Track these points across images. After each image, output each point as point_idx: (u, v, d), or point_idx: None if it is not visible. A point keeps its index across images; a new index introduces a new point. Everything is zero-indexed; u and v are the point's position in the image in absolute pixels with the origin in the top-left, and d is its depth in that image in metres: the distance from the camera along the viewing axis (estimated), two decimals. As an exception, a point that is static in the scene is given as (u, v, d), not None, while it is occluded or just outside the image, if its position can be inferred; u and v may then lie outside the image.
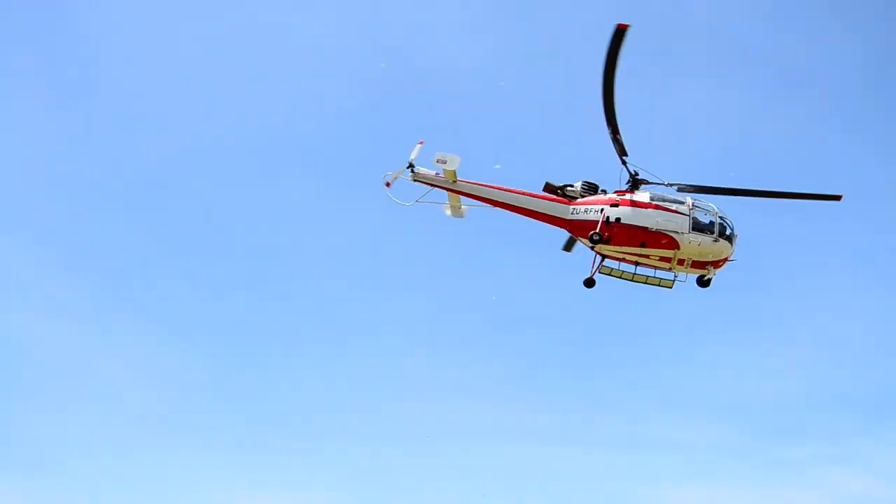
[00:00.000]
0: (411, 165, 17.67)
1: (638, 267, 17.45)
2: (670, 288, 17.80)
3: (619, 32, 14.98)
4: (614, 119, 16.16)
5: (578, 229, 17.10)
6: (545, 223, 17.58)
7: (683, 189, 17.66)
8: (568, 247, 18.96)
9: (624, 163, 17.28)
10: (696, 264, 17.37)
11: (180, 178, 72.43)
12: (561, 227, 17.62)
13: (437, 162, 16.89)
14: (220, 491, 55.23)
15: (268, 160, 68.94)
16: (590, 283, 17.45)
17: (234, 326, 66.41)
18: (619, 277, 17.62)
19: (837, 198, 18.83)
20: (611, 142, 16.80)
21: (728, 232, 17.53)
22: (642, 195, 17.42)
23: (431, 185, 17.45)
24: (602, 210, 16.69)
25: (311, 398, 62.07)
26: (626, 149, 16.88)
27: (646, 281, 17.63)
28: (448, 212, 18.31)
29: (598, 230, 16.31)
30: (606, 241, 16.55)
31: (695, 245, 16.66)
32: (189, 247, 69.39)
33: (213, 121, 70.87)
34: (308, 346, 65.57)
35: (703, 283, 17.72)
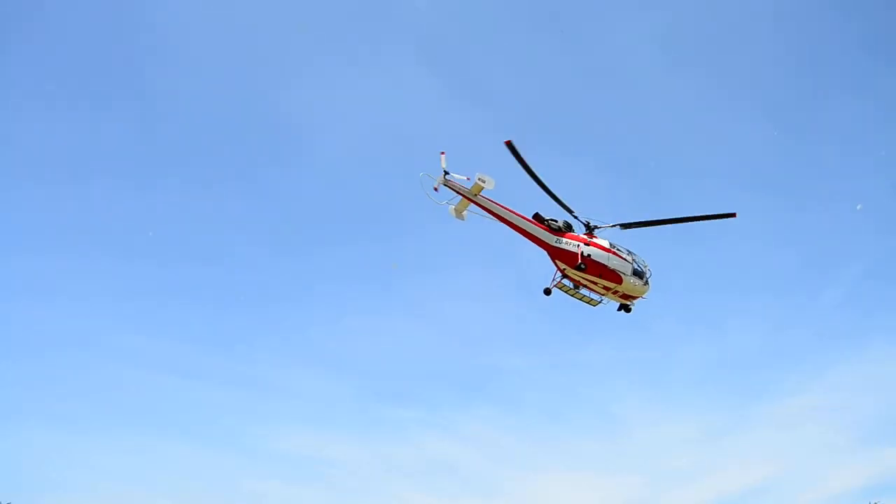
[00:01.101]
0: (446, 172, 20.80)
1: (582, 289, 22.84)
2: (594, 306, 23.52)
3: (510, 146, 20.39)
4: (554, 195, 21.34)
5: (560, 255, 22.09)
6: (533, 243, 22.17)
7: (624, 227, 22.69)
8: (548, 292, 23.37)
9: (575, 217, 22.59)
10: (624, 296, 23.01)
11: None
12: (544, 249, 22.35)
13: (479, 179, 20.67)
14: None
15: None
16: (548, 292, 23.22)
17: None
18: (566, 293, 23.10)
19: (732, 215, 23.64)
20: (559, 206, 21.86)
21: (649, 278, 23.01)
22: (603, 241, 22.70)
23: (458, 192, 20.96)
24: (579, 246, 21.81)
25: None
26: (571, 207, 22.26)
27: (581, 298, 23.30)
28: (452, 213, 21.90)
29: (581, 261, 21.28)
30: (581, 269, 21.39)
31: (631, 284, 22.89)
32: None
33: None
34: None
35: (626, 309, 23.86)
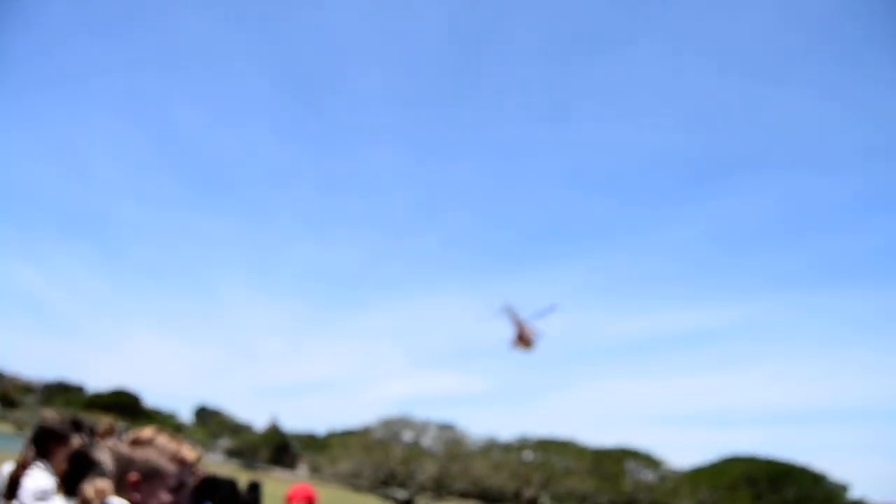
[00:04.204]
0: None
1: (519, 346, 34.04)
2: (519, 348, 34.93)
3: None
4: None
5: (521, 337, 32.03)
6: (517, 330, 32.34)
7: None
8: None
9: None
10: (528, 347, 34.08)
11: None
12: (518, 333, 30.90)
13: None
14: None
15: None
16: (515, 346, 33.58)
17: None
18: (515, 348, 33.75)
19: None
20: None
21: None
22: (532, 330, 33.14)
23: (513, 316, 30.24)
24: (530, 335, 32.04)
25: None
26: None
27: (519, 348, 33.70)
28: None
29: (532, 344, 31.96)
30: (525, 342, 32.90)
31: (533, 347, 32.41)
32: None
33: None
34: None
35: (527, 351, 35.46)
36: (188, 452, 2.70)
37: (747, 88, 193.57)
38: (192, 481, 2.76)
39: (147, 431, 2.74)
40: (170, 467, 2.62)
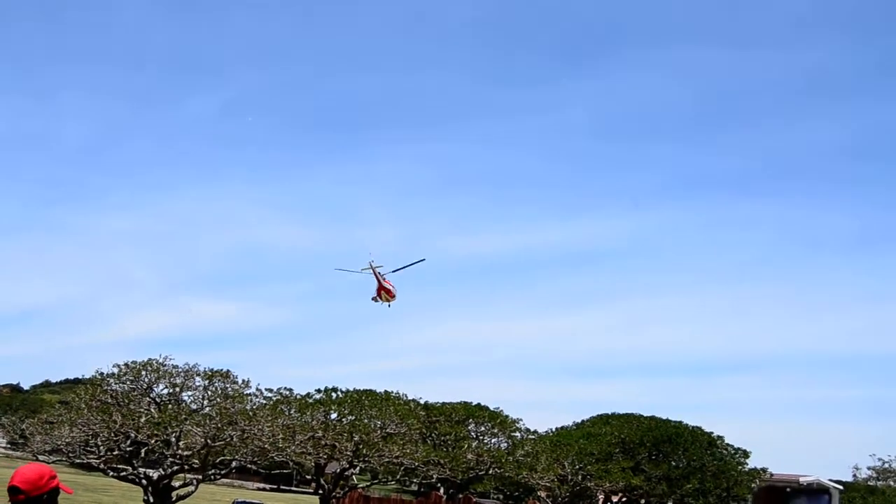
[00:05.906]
0: (372, 262, 41.65)
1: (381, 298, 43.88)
2: (377, 302, 44.00)
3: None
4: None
5: (382, 289, 43.02)
6: (378, 283, 42.29)
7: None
8: (374, 300, 44.40)
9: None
10: (388, 301, 44.52)
11: None
12: (378, 285, 42.52)
13: (377, 267, 41.47)
14: None
15: None
16: (374, 300, 43.57)
17: None
18: (374, 300, 43.73)
19: (422, 260, 45.99)
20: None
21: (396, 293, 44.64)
22: (391, 281, 43.40)
23: (371, 266, 41.18)
24: (390, 288, 43.33)
25: None
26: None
27: (378, 301, 43.63)
28: (366, 270, 42.57)
29: (392, 296, 43.83)
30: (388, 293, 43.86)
31: (393, 293, 43.88)
32: None
33: None
34: None
35: (388, 304, 44.72)
36: None
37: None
38: None
39: None
40: None
